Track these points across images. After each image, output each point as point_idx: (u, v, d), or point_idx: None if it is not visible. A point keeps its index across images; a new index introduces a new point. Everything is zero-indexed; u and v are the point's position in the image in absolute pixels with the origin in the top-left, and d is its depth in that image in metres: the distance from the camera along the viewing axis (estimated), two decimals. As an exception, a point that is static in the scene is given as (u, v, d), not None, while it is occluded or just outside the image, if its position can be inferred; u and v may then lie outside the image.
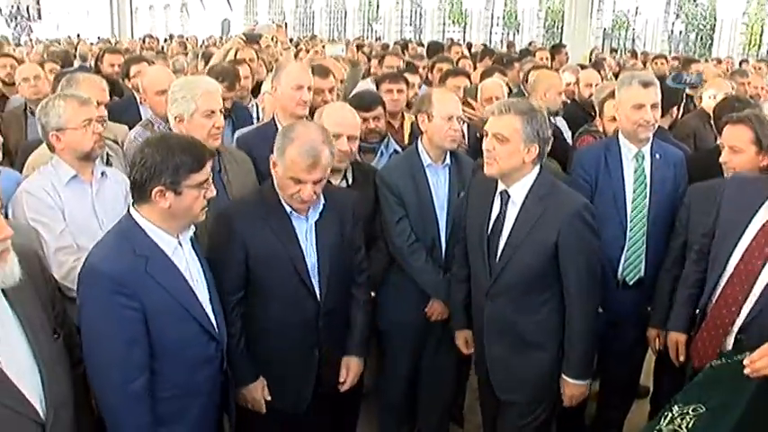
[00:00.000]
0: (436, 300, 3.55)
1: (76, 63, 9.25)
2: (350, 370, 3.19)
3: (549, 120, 3.05)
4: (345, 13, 34.10)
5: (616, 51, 19.43)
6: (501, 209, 2.94)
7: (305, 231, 2.92)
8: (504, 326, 3.01)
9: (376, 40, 25.01)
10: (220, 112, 3.24)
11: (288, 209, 2.88)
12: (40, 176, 3.09)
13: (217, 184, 2.67)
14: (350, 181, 3.48)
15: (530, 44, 17.02)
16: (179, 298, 2.42)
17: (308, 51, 8.14)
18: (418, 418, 3.95)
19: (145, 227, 2.41)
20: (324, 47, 7.83)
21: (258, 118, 4.96)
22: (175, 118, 3.24)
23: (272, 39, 7.38)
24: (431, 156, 3.52)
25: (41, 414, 2.10)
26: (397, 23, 32.06)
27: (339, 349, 3.15)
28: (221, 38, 19.55)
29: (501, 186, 2.94)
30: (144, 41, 14.95)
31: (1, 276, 1.98)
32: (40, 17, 33.38)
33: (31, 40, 20.82)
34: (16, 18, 31.36)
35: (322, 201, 2.92)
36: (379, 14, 33.54)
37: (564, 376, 3.00)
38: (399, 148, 4.11)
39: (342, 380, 3.15)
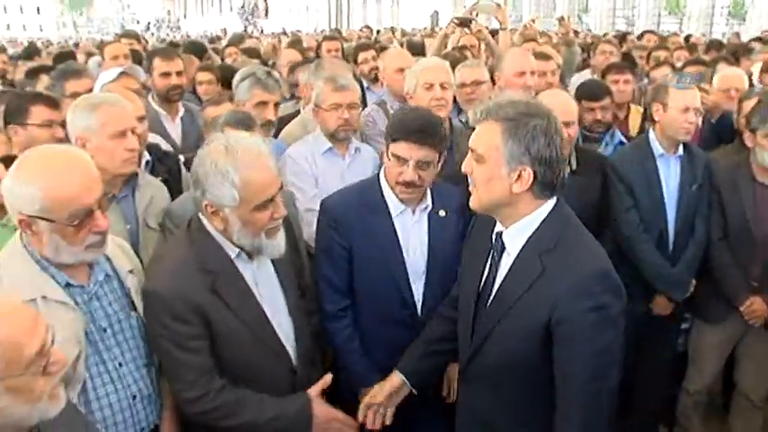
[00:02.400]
0: (661, 294, 3.42)
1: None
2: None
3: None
4: (555, 5, 33.28)
5: None
6: (492, 262, 2.10)
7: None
8: (478, 419, 2.22)
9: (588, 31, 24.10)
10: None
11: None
12: (302, 145, 3.43)
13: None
14: (573, 167, 3.42)
15: (763, 33, 15.42)
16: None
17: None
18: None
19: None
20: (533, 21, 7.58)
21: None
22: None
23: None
24: (663, 146, 3.39)
25: (294, 362, 2.37)
26: (608, 15, 30.68)
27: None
28: (432, 29, 19.98)
29: (498, 227, 2.09)
30: (361, 31, 15.77)
31: (271, 250, 2.23)
32: (267, 15, 37.16)
33: (260, 32, 22.77)
34: (249, 16, 35.43)
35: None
36: (590, 6, 32.30)
37: None
38: (624, 139, 4.01)
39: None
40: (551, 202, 1.99)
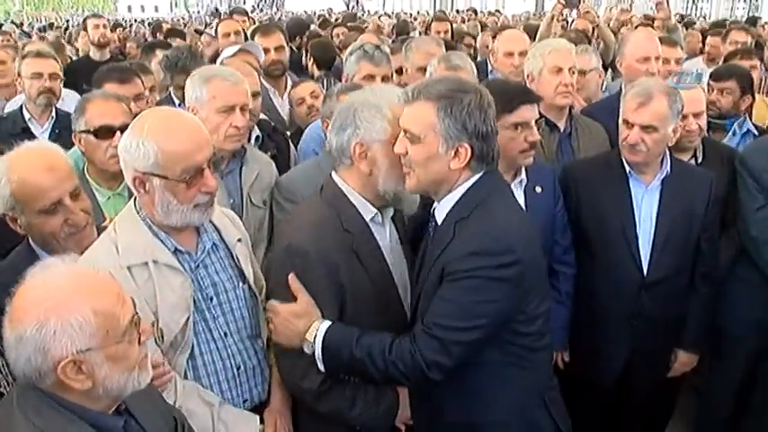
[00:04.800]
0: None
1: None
2: (678, 361, 2.99)
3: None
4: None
5: None
6: (426, 235, 2.17)
7: (641, 195, 2.84)
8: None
9: (702, 18, 22.86)
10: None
11: (628, 168, 2.83)
12: None
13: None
14: (699, 159, 3.23)
15: None
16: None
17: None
18: (743, 428, 3.54)
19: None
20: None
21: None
22: None
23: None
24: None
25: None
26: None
27: (662, 332, 2.93)
28: (534, 14, 19.62)
29: (435, 204, 2.12)
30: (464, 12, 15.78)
31: (410, 202, 2.26)
32: None
33: (365, 13, 23.17)
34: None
35: (667, 167, 2.82)
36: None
37: None
38: (755, 130, 3.71)
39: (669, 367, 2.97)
40: (475, 177, 2.00)
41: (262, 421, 2.18)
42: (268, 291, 2.20)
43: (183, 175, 1.92)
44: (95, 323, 1.42)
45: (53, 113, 3.91)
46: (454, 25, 7.30)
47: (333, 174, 2.21)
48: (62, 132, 3.57)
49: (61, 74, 4.05)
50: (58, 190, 2.05)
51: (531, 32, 5.70)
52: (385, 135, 2.07)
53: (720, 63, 5.04)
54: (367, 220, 2.18)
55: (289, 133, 3.48)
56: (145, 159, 1.90)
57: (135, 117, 2.09)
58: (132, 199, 2.08)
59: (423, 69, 3.69)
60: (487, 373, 2.04)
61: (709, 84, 3.82)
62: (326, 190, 2.21)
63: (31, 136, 3.22)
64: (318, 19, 13.59)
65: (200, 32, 8.55)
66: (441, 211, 2.05)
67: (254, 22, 9.05)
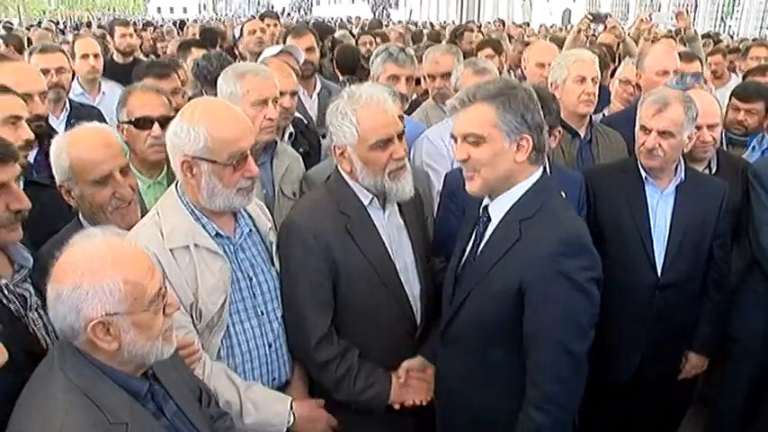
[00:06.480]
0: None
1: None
2: (689, 363, 3.07)
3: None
4: (696, 5, 31.49)
5: None
6: (477, 231, 2.21)
7: (656, 200, 2.93)
8: (451, 385, 2.32)
9: (730, 37, 22.70)
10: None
11: (644, 174, 2.92)
12: (441, 127, 3.44)
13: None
14: (713, 170, 3.31)
15: None
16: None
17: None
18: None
19: None
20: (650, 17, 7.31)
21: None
22: None
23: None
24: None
25: (416, 314, 2.46)
26: (757, 18, 28.66)
27: (674, 334, 3.01)
28: (561, 27, 19.59)
29: (486, 200, 2.19)
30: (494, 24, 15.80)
31: (396, 192, 2.33)
32: (396, 6, 38.17)
33: (391, 22, 23.26)
34: (380, 6, 36.67)
35: (681, 174, 2.91)
36: (736, 8, 30.31)
37: None
38: (773, 146, 3.76)
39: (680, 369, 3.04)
40: (537, 174, 2.09)
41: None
42: None
43: (230, 160, 2.05)
44: (124, 290, 1.55)
45: (66, 105, 4.02)
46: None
47: (336, 165, 2.42)
48: (76, 123, 3.70)
49: (68, 65, 4.16)
50: (110, 164, 2.22)
51: (558, 45, 5.79)
52: (354, 139, 2.27)
53: (740, 79, 5.11)
54: (365, 203, 2.36)
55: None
56: (195, 144, 2.03)
57: (175, 110, 2.24)
58: (174, 185, 2.21)
59: (432, 77, 3.91)
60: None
61: (733, 102, 3.90)
62: (332, 178, 2.45)
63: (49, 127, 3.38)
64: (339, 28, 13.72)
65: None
66: (498, 208, 2.11)
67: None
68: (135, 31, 6.62)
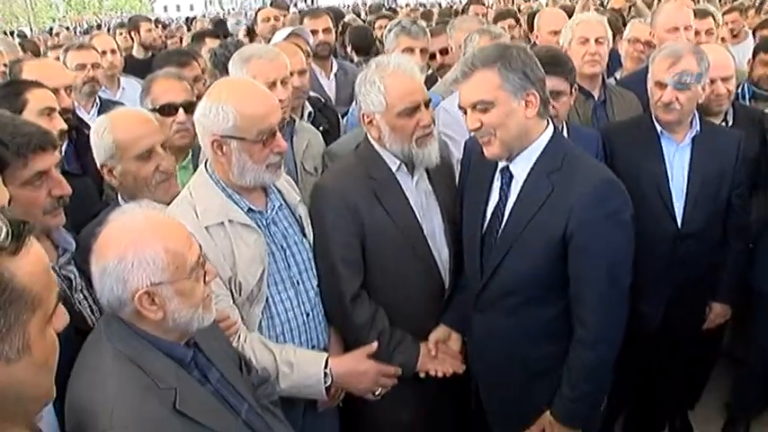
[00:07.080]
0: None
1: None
2: (713, 313, 3.10)
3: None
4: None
5: None
6: (501, 193, 2.25)
7: (672, 152, 2.95)
8: (497, 348, 2.36)
9: None
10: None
11: (659, 128, 2.95)
12: (457, 97, 3.46)
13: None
14: (729, 122, 3.33)
15: None
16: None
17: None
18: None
19: None
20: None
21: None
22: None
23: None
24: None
25: (443, 278, 2.53)
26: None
27: (697, 284, 3.03)
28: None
29: (502, 163, 2.24)
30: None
31: (423, 158, 2.41)
32: None
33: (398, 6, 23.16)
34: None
35: (697, 126, 2.93)
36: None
37: (551, 417, 2.28)
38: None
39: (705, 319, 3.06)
40: (550, 130, 2.17)
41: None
42: None
43: (260, 136, 2.12)
44: (166, 259, 1.59)
45: (97, 100, 4.18)
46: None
47: (366, 133, 2.50)
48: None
49: (100, 62, 4.37)
50: (152, 138, 2.33)
51: (568, 13, 5.79)
52: (382, 107, 2.35)
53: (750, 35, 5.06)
54: (393, 169, 2.44)
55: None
56: (224, 123, 2.10)
57: (197, 97, 2.30)
58: (203, 164, 2.28)
59: (460, 47, 3.80)
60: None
61: (761, 57, 3.86)
62: (361, 146, 2.54)
63: (80, 120, 3.49)
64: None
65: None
66: (521, 165, 2.18)
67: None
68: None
